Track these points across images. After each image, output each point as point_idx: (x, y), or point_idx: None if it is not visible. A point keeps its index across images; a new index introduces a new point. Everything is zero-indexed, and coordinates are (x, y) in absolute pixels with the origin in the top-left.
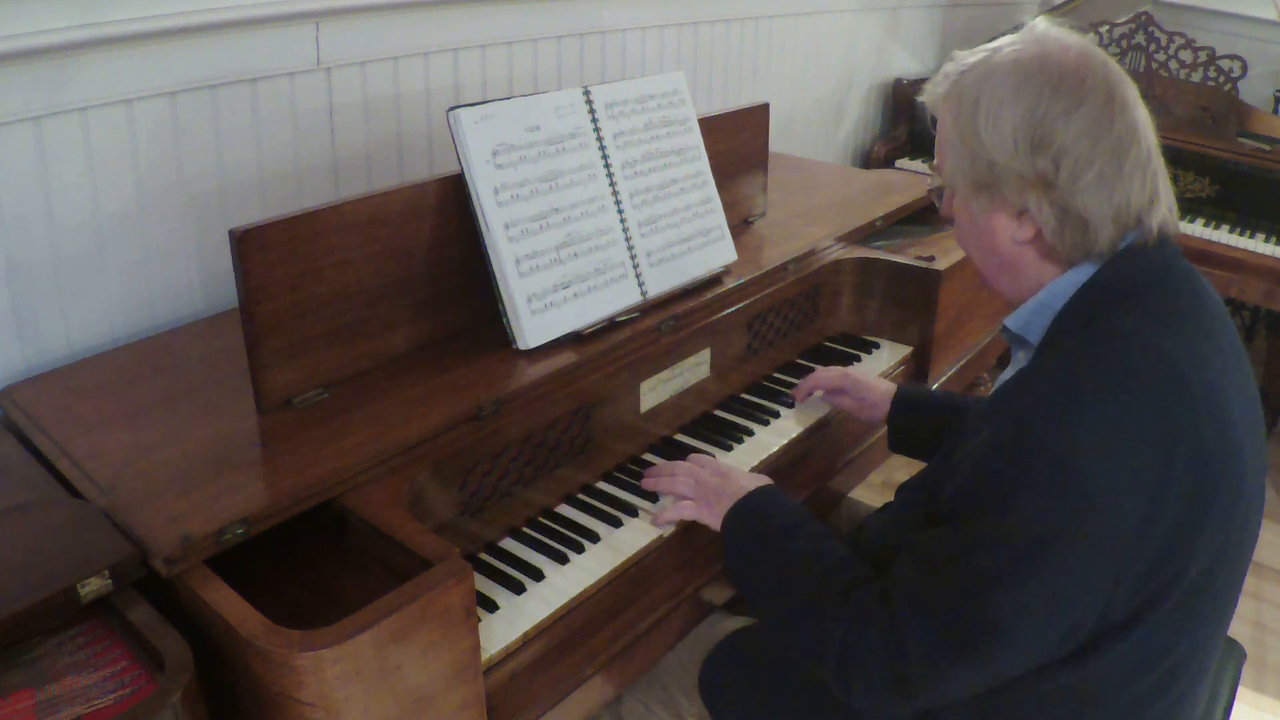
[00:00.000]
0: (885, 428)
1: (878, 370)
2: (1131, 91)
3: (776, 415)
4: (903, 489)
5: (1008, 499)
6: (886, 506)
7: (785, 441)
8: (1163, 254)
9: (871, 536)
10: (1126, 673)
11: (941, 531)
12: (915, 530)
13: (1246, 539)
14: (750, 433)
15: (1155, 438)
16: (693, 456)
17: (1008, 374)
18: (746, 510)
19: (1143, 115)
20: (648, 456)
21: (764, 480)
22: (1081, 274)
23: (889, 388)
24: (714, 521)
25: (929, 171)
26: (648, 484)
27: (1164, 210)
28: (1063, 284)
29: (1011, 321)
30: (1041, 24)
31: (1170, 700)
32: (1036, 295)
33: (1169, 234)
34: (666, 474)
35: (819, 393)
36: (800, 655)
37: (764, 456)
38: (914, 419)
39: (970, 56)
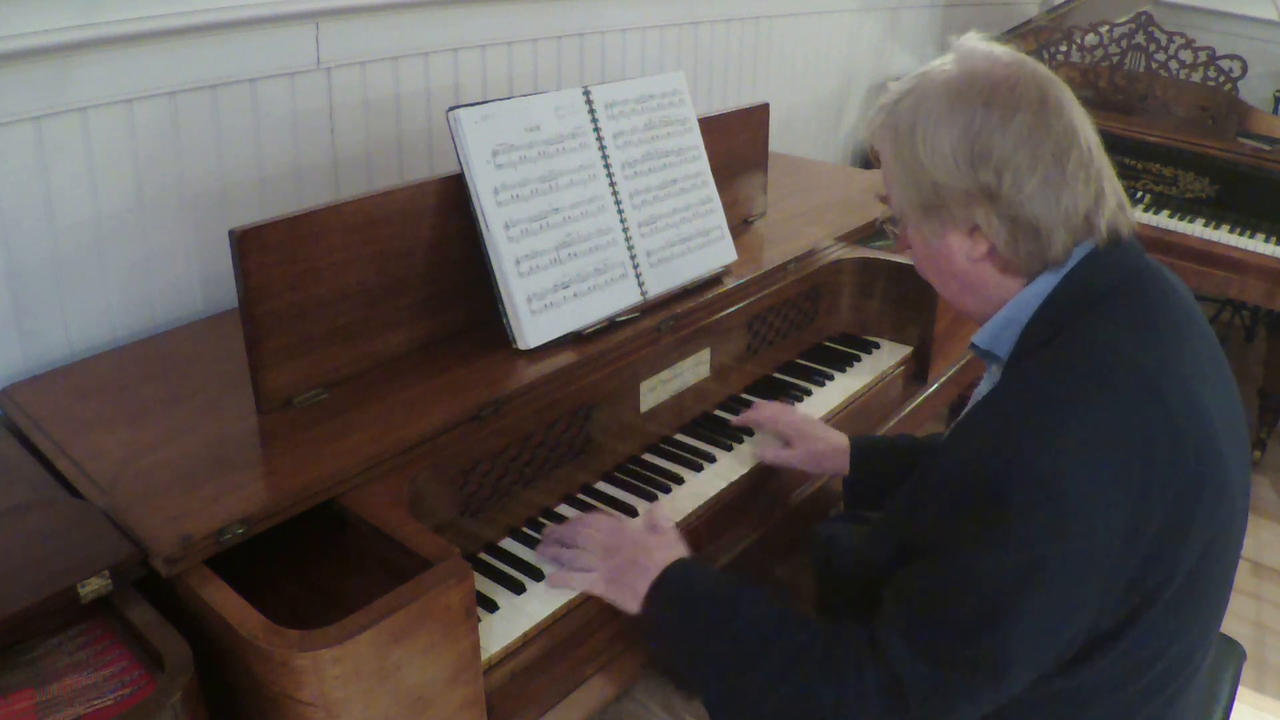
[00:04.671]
0: (895, 419)
1: (878, 371)
2: (1065, 94)
3: None
4: (880, 513)
5: (994, 524)
6: (854, 515)
7: None
8: (1125, 256)
9: (845, 560)
10: (1119, 676)
11: (927, 567)
12: (890, 559)
13: (1234, 538)
14: (750, 432)
15: (1134, 446)
16: (600, 518)
17: (982, 388)
18: (670, 588)
19: (1080, 115)
20: (648, 457)
21: (680, 548)
22: (1045, 285)
23: (838, 440)
24: (629, 602)
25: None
26: (546, 552)
27: (1112, 207)
28: (1027, 297)
29: (979, 338)
30: (969, 41)
31: (1164, 700)
32: (1001, 310)
33: (1122, 232)
34: (569, 541)
35: (765, 457)
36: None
37: (754, 464)
38: (876, 468)
39: (902, 85)
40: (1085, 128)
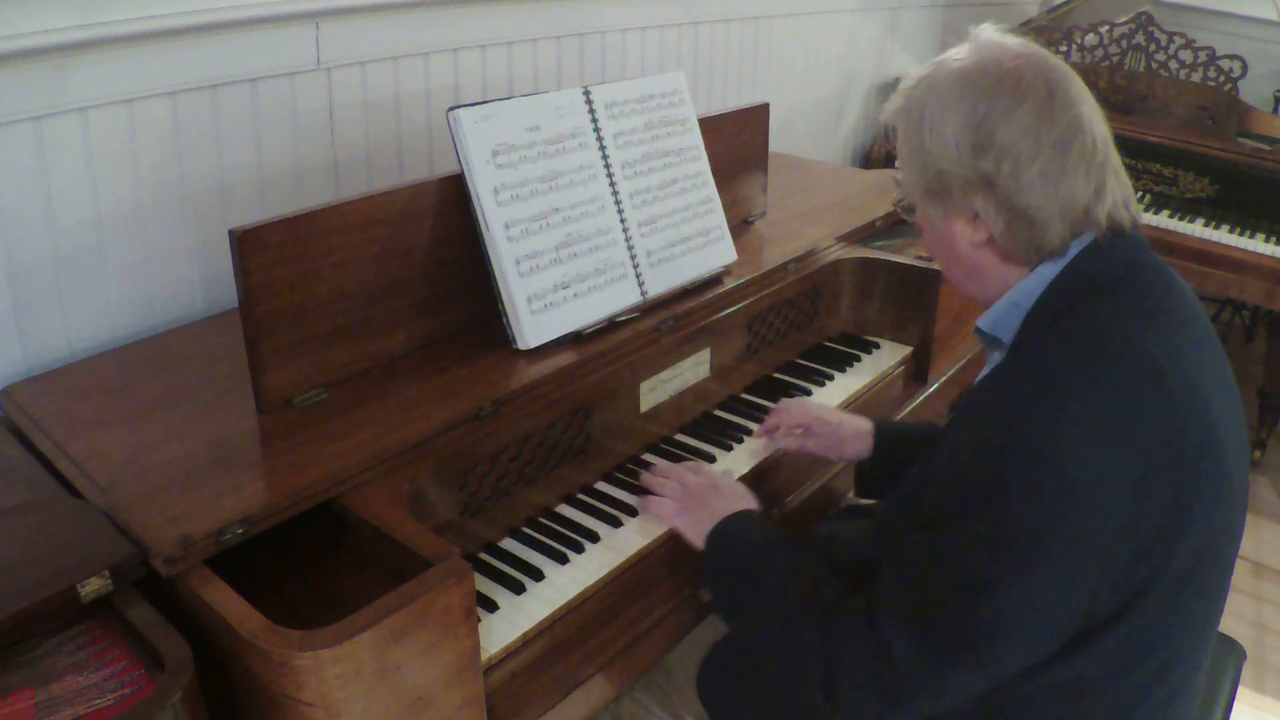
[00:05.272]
0: (896, 419)
1: (878, 371)
2: (1074, 87)
3: None
4: (885, 500)
5: (993, 498)
6: (854, 511)
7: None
8: (1128, 247)
9: (849, 548)
10: (1118, 666)
11: (926, 539)
12: (896, 542)
13: (1232, 533)
14: (750, 432)
15: (1135, 427)
16: (689, 464)
17: (984, 375)
18: (727, 533)
19: (1089, 109)
20: (648, 456)
21: (749, 500)
22: (1049, 271)
23: (861, 424)
24: (695, 537)
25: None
26: (644, 480)
27: (1111, 201)
28: (1030, 283)
29: (983, 321)
30: (985, 32)
31: (1164, 694)
32: (1005, 295)
33: (1124, 225)
34: (659, 475)
35: (781, 431)
36: (783, 677)
37: (764, 457)
38: (896, 452)
39: (921, 71)
40: (1094, 121)
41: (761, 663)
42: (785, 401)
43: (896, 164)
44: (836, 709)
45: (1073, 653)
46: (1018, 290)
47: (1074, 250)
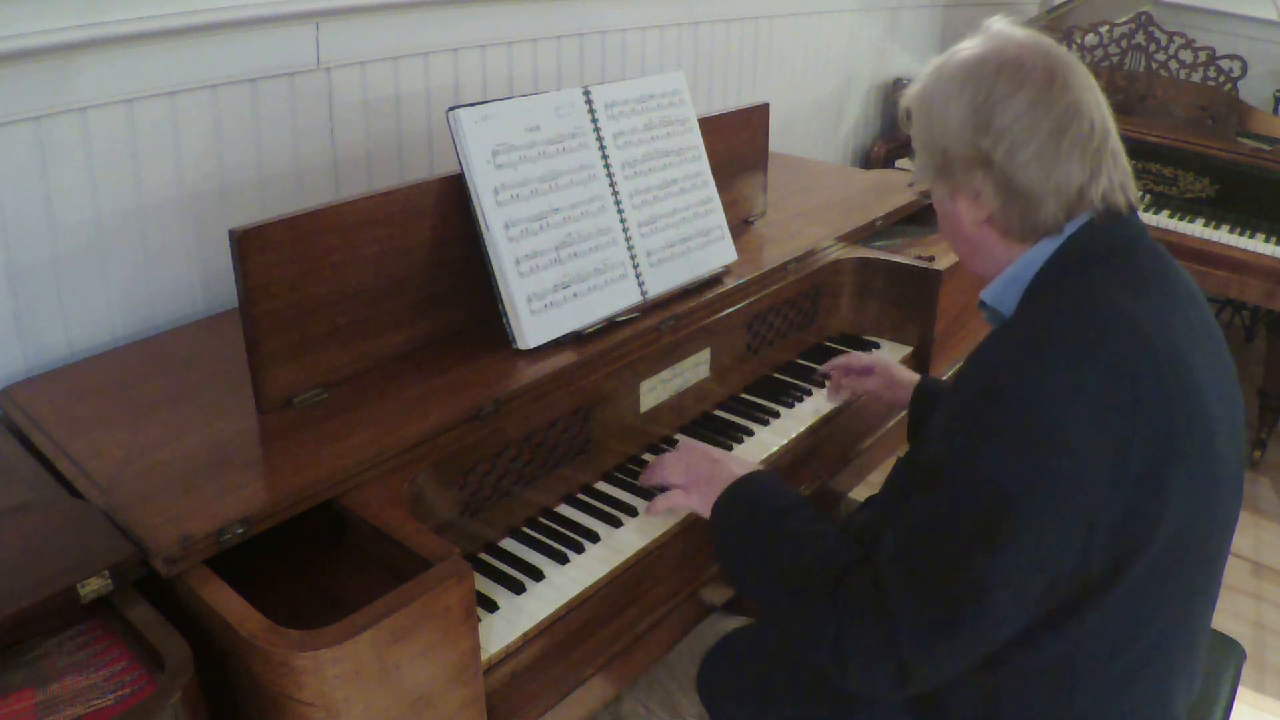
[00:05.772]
0: (894, 420)
1: None
2: (1076, 76)
3: (777, 415)
4: (890, 474)
5: (978, 454)
6: (870, 501)
7: (785, 441)
8: (1127, 227)
9: (859, 529)
10: (1108, 645)
11: (919, 501)
12: (898, 506)
13: (1223, 512)
14: (750, 432)
15: (1118, 386)
16: (683, 441)
17: None
18: (736, 497)
19: (1091, 97)
20: (648, 456)
21: (756, 466)
22: (1047, 248)
23: (912, 375)
24: (704, 508)
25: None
26: (644, 480)
27: (1106, 184)
28: (1031, 256)
29: (986, 294)
30: (995, 24)
31: (1154, 678)
32: (1007, 269)
33: (1119, 206)
34: (658, 466)
35: (845, 378)
36: (795, 643)
37: (764, 456)
38: (931, 407)
39: (936, 59)
40: (1094, 109)
41: (777, 626)
42: (853, 354)
43: (912, 149)
44: (845, 678)
45: (1064, 621)
46: (1018, 264)
47: (1070, 229)
